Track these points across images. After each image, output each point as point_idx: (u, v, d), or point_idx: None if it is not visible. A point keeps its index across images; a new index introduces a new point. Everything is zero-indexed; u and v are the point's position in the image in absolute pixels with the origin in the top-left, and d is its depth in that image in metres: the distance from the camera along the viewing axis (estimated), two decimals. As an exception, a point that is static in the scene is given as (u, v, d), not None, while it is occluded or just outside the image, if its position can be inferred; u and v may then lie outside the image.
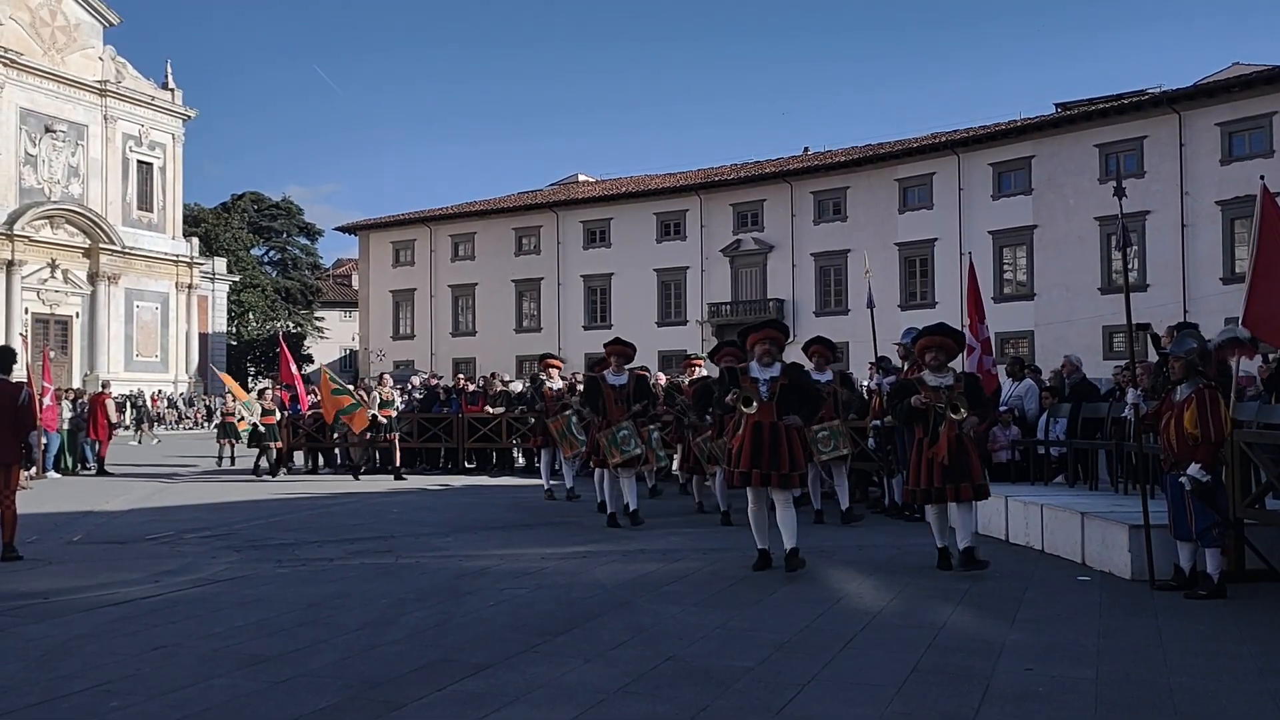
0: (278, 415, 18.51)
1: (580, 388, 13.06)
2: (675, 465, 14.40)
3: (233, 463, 20.49)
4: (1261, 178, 8.76)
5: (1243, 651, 5.54)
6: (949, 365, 7.94)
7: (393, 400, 17.84)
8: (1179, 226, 36.35)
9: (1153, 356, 11.01)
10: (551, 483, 13.92)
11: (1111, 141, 37.81)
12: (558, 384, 14.12)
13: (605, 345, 11.27)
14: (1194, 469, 6.76)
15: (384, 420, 17.29)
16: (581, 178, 59.74)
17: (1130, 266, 29.53)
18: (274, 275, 71.03)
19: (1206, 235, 35.88)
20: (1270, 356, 9.98)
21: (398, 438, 17.49)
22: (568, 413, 12.74)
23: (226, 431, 21.04)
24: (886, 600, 6.83)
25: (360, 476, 17.38)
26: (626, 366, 11.17)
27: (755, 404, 7.54)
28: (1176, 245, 36.29)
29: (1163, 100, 37.33)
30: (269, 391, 19.41)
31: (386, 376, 19.31)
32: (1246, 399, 9.45)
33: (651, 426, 12.02)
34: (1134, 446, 9.00)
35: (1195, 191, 36.04)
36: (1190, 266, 35.96)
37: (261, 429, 18.28)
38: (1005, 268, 41.15)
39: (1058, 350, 27.76)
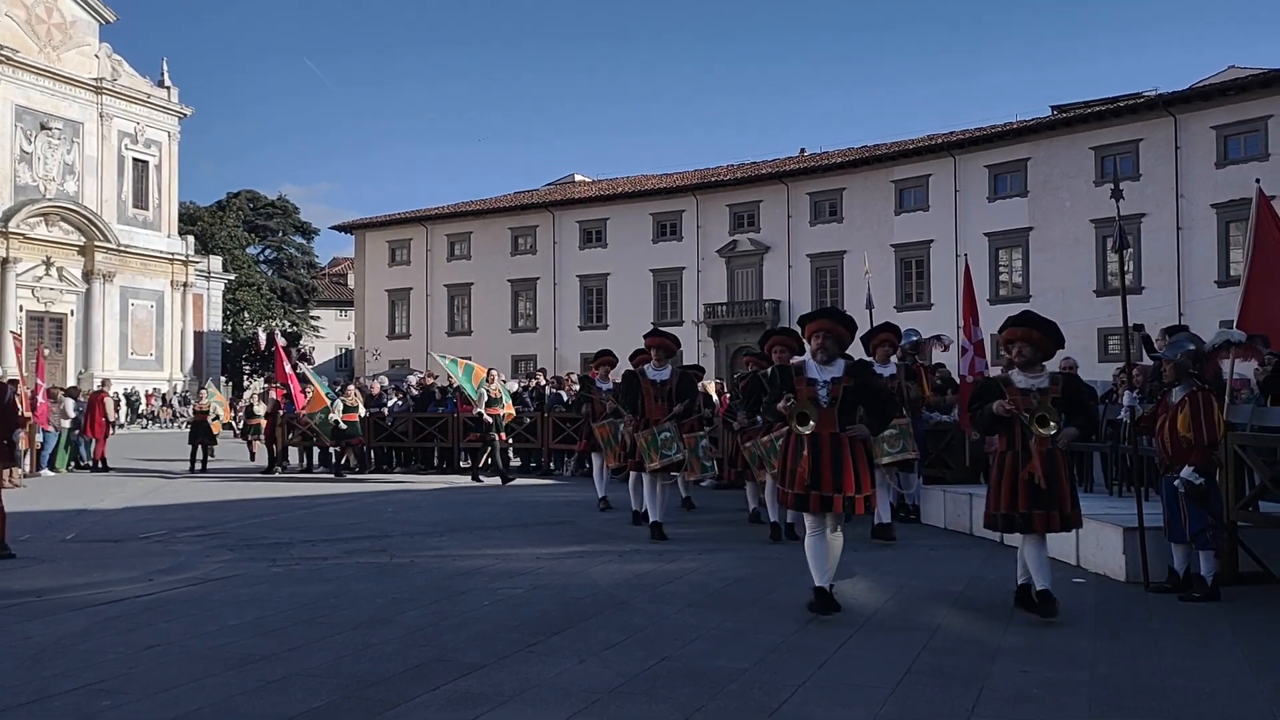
0: (361, 412, 18.16)
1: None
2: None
3: (204, 467, 19.83)
4: (1257, 181, 8.81)
5: (1237, 654, 5.55)
6: (1044, 364, 6.53)
7: (500, 399, 16.80)
8: (1174, 229, 36.39)
9: (1146, 358, 11.00)
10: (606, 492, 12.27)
11: (1107, 144, 37.83)
12: (609, 385, 12.44)
13: (645, 337, 10.27)
14: (1187, 471, 6.78)
15: (490, 419, 16.43)
16: (578, 178, 59.72)
17: (1126, 269, 29.66)
18: (269, 274, 70.89)
19: (1202, 238, 35.92)
20: (1268, 359, 9.98)
21: (506, 438, 16.87)
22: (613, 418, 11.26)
23: (199, 432, 20.28)
24: (881, 602, 6.83)
25: (481, 478, 16.59)
26: (670, 361, 10.06)
27: (812, 422, 6.25)
28: (1172, 248, 36.34)
29: (1158, 103, 37.37)
30: (352, 387, 19.08)
31: (494, 372, 18.08)
32: (1240, 402, 9.46)
33: (700, 432, 10.99)
34: (1129, 449, 9.03)
35: (1190, 194, 36.09)
36: (1185, 269, 36.01)
37: (344, 425, 17.85)
38: (1001, 269, 41.17)
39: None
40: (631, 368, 10.37)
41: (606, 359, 12.67)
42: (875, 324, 10.77)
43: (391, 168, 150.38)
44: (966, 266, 14.40)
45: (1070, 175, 38.79)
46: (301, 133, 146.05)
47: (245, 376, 54.65)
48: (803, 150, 51.53)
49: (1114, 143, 37.66)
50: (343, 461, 18.23)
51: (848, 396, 6.37)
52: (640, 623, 6.22)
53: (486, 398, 16.54)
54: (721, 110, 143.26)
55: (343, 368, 61.57)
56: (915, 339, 11.45)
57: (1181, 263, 36.06)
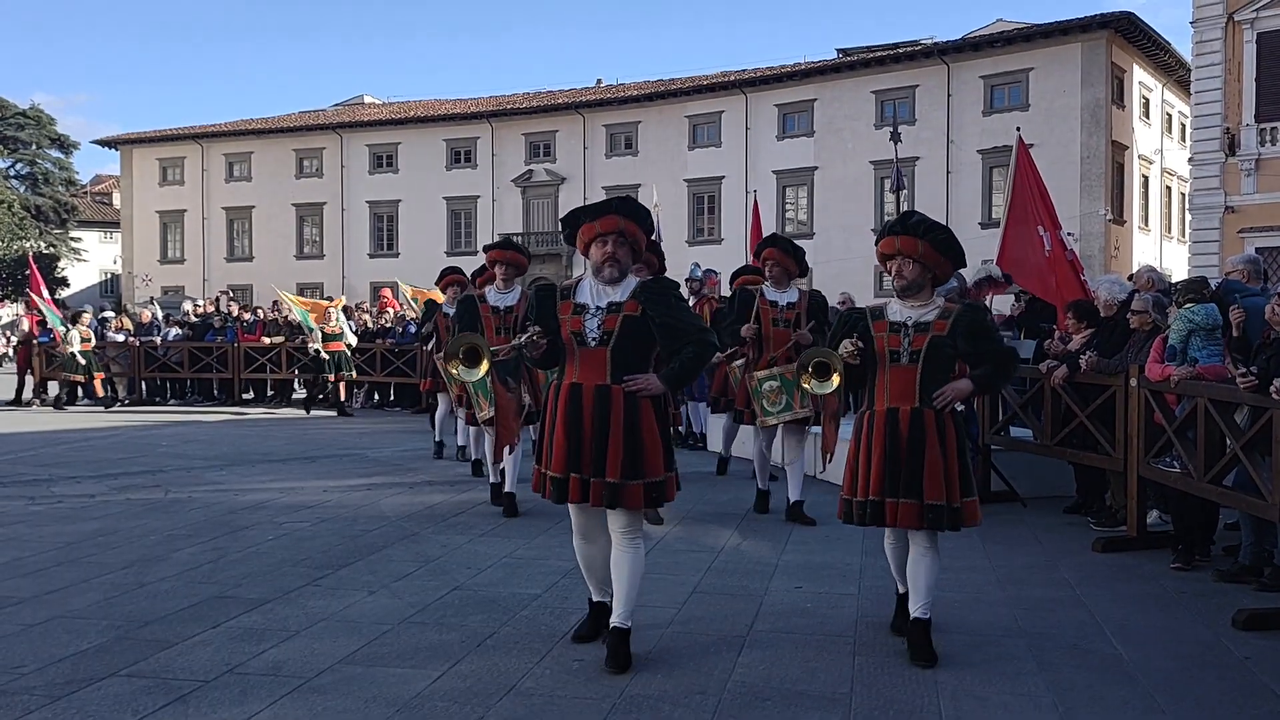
0: (350, 340, 16.12)
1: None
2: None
3: (68, 401, 17.45)
4: (1018, 129, 9.45)
5: (985, 565, 6.08)
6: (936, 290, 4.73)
7: (341, 334, 15.87)
8: (944, 173, 38.61)
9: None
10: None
11: (887, 89, 39.57)
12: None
13: (487, 250, 8.22)
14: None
15: (327, 356, 15.70)
16: (368, 99, 57.40)
17: (901, 209, 31.35)
18: (22, 191, 64.85)
19: (968, 182, 38.30)
20: (1021, 296, 10.81)
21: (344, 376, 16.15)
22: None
23: (65, 365, 16.92)
24: (669, 525, 7.06)
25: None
26: (518, 280, 8.06)
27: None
28: (942, 190, 38.56)
29: (934, 51, 39.32)
30: (333, 312, 16.50)
31: (340, 299, 16.81)
32: (997, 335, 10.23)
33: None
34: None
35: (959, 140, 38.31)
36: (954, 210, 38.32)
37: (325, 356, 15.81)
38: (788, 207, 42.59)
39: (834, 287, 29.06)
40: (469, 293, 8.34)
41: (456, 278, 10.45)
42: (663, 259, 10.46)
43: (159, 81, 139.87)
44: (755, 203, 14.87)
45: (853, 117, 40.37)
46: (53, 36, 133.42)
47: (-4, 302, 50.13)
48: (599, 81, 51.44)
49: (893, 88, 39.42)
50: (338, 398, 16.21)
51: (631, 329, 4.21)
52: (432, 553, 6.20)
53: (321, 333, 15.91)
54: (518, 37, 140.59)
55: (108, 293, 57.44)
56: (701, 273, 11.86)
57: (950, 204, 38.34)
